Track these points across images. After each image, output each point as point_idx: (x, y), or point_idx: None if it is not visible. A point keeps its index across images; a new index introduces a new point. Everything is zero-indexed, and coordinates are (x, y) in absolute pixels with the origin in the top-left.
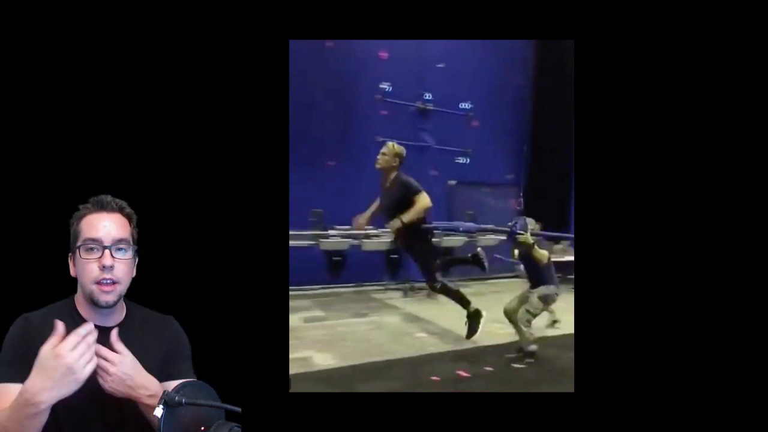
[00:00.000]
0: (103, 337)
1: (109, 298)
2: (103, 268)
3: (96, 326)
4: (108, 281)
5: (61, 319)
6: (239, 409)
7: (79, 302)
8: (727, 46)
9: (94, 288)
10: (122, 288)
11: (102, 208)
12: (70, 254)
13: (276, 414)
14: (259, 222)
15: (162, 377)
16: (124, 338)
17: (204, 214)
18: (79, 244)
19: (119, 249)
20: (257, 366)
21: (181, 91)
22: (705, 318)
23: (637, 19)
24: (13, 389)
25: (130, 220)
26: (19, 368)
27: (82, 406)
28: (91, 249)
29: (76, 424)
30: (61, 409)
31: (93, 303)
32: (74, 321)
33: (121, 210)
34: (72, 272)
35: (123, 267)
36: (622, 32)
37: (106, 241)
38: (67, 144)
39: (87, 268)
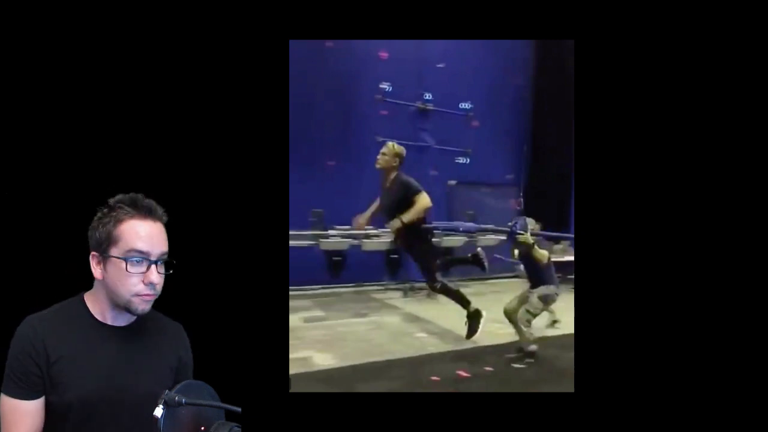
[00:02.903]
0: (116, 335)
1: (147, 307)
2: (149, 283)
3: (109, 325)
4: (149, 294)
5: (70, 320)
6: (239, 409)
7: (95, 302)
8: (727, 46)
9: (134, 299)
10: (156, 296)
11: (149, 214)
12: (94, 253)
13: (276, 414)
14: (259, 222)
15: (173, 381)
16: (138, 337)
17: (204, 214)
18: (121, 254)
19: (162, 262)
20: (257, 366)
21: (182, 91)
22: (705, 317)
23: (638, 19)
24: (24, 407)
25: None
26: (28, 385)
27: (96, 404)
28: (137, 261)
29: (93, 424)
30: (76, 406)
31: (128, 311)
32: (85, 322)
33: (161, 218)
34: (97, 274)
35: (162, 280)
36: (622, 32)
37: (153, 255)
38: (67, 144)
39: (129, 281)
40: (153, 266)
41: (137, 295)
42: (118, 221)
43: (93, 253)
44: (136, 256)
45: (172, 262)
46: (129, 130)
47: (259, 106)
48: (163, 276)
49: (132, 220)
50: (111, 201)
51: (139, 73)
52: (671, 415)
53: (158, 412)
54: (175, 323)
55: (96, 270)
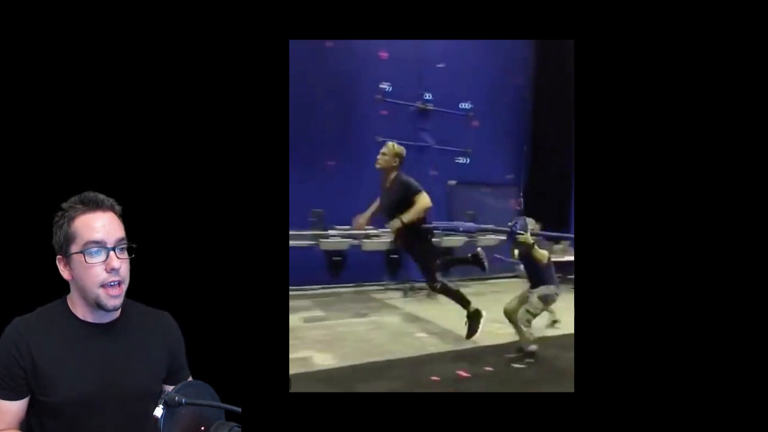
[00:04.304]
0: (101, 333)
1: (117, 302)
2: (111, 270)
3: (93, 324)
4: (115, 283)
5: (54, 322)
6: (239, 409)
7: (75, 303)
8: (727, 46)
9: (101, 292)
10: (126, 287)
11: (98, 206)
12: (59, 257)
13: (276, 414)
14: (259, 222)
15: (165, 372)
16: (124, 333)
17: (204, 214)
18: (79, 249)
19: (121, 248)
20: (257, 366)
21: (182, 91)
22: (705, 317)
23: (638, 19)
24: (5, 406)
25: (120, 216)
26: (11, 387)
27: (88, 403)
28: (95, 252)
29: (86, 421)
30: (68, 406)
31: (99, 307)
32: (69, 323)
33: (112, 207)
34: (66, 275)
35: (125, 266)
36: (622, 32)
37: (109, 243)
38: (67, 144)
39: (92, 272)
40: (112, 253)
41: (102, 286)
42: (71, 220)
43: (58, 257)
44: (92, 247)
45: (132, 246)
46: (128, 130)
47: (259, 106)
48: (127, 261)
49: (83, 215)
50: (63, 204)
51: (139, 73)
52: (671, 414)
53: (158, 412)
54: (162, 312)
55: (64, 272)
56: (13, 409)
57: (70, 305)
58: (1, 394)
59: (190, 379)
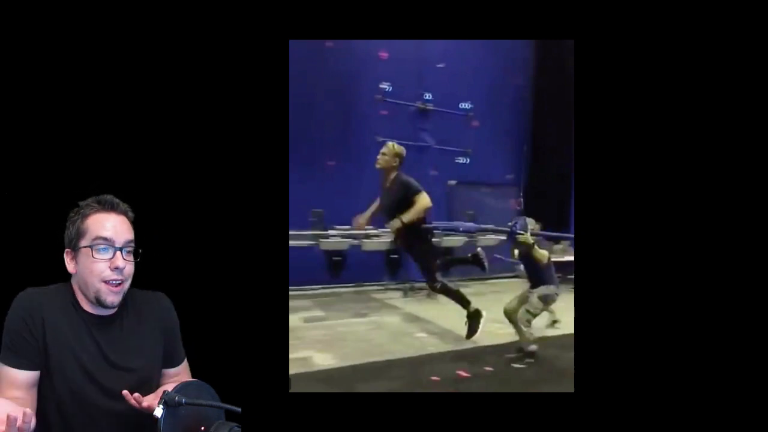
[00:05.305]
0: (102, 323)
1: (116, 299)
2: (115, 269)
3: (95, 315)
4: (117, 281)
5: (63, 305)
6: (239, 409)
7: (77, 293)
8: (727, 46)
9: (102, 286)
10: (127, 286)
11: (112, 208)
12: (68, 250)
13: (276, 414)
14: (259, 222)
15: (162, 354)
16: (122, 322)
17: (204, 214)
18: (88, 243)
19: (128, 251)
20: (257, 366)
21: (182, 91)
22: (705, 317)
23: (638, 19)
24: (13, 374)
25: (131, 222)
26: (22, 353)
27: (91, 403)
28: (103, 249)
29: (85, 421)
30: (70, 407)
31: (98, 303)
32: (76, 309)
33: (126, 213)
34: (71, 269)
35: (130, 267)
36: (622, 32)
37: (118, 242)
38: (67, 143)
39: (96, 268)
40: (118, 252)
41: (105, 281)
42: (85, 216)
43: (66, 250)
44: (101, 243)
45: (138, 250)
46: (129, 130)
47: (259, 106)
48: (132, 264)
49: (97, 213)
50: (81, 203)
51: (139, 73)
52: (671, 414)
53: (158, 412)
54: (157, 293)
55: (70, 265)
56: (22, 378)
57: (76, 294)
58: (12, 361)
59: (185, 362)
